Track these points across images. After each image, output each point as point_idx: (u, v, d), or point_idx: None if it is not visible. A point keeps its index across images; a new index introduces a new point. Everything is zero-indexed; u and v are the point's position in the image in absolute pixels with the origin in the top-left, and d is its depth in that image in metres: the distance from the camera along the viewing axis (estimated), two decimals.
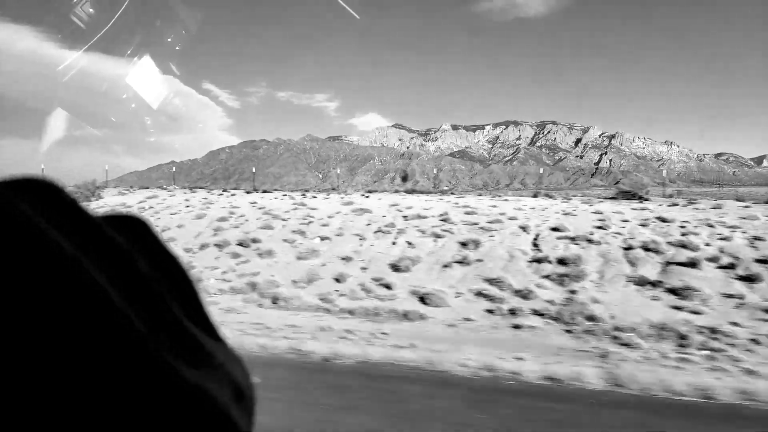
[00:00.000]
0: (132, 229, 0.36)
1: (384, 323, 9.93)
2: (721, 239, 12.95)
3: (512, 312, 10.17)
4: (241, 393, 0.35)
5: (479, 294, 11.42)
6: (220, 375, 0.34)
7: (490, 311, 10.40)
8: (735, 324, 9.26)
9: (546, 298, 10.90)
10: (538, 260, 12.88)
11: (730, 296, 10.47)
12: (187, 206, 19.89)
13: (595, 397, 6.28)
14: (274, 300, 11.48)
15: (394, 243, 14.98)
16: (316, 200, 19.82)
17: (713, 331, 8.89)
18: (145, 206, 20.22)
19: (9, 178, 0.30)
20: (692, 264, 11.69)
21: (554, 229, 14.63)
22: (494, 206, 17.54)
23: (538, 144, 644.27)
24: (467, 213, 16.78)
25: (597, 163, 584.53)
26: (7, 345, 0.24)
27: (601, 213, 15.92)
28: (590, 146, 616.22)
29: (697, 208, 16.56)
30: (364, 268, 13.53)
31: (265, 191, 23.49)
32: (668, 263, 12.05)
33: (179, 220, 18.25)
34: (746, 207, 16.46)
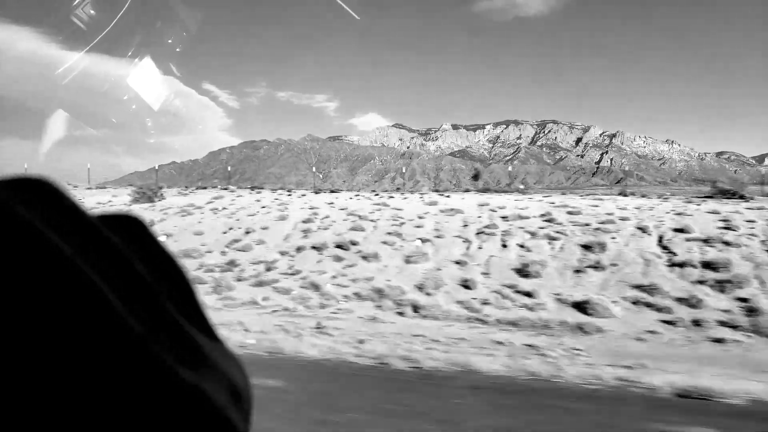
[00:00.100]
0: (128, 229, 0.36)
1: (561, 336, 9.05)
2: None
3: (696, 323, 9.29)
4: (239, 394, 0.35)
5: (637, 302, 10.55)
6: (218, 376, 0.34)
7: (668, 322, 9.52)
8: None
9: (717, 306, 10.03)
10: (679, 264, 12.01)
11: None
12: (263, 206, 18.97)
13: None
14: (415, 308, 10.59)
15: (504, 246, 14.09)
16: (395, 200, 18.92)
17: None
18: (218, 207, 19.30)
19: (4, 178, 0.30)
20: None
21: (678, 231, 13.76)
22: (596, 206, 16.67)
23: (538, 143, 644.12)
24: (571, 213, 15.90)
25: (598, 163, 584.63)
26: (6, 346, 0.24)
27: (719, 213, 15.05)
28: (591, 145, 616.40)
29: None
30: (485, 274, 12.65)
31: (332, 191, 22.58)
32: None
33: (261, 222, 17.35)
34: None
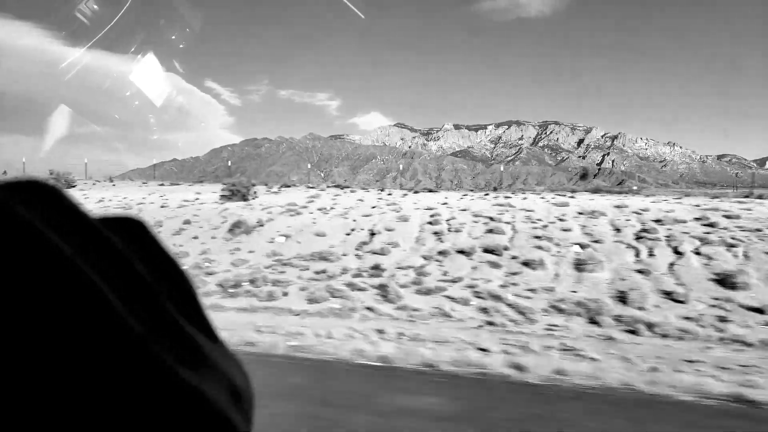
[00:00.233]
0: (129, 231, 0.36)
1: None
2: None
3: None
4: (239, 394, 0.35)
5: None
6: (218, 376, 0.34)
7: None
8: None
9: None
10: None
11: None
12: (373, 206, 17.74)
13: None
14: (649, 326, 9.38)
15: (678, 253, 12.90)
16: (514, 200, 17.71)
17: None
18: (324, 206, 18.06)
19: (6, 180, 0.30)
20: None
21: None
22: (749, 209, 15.49)
23: (540, 144, 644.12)
24: (729, 217, 14.72)
25: (599, 164, 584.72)
26: (6, 346, 0.24)
27: None
28: (593, 147, 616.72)
29: None
30: (680, 284, 11.46)
31: (430, 190, 21.36)
32: None
33: (381, 223, 16.13)
34: None
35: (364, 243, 15.05)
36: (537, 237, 14.29)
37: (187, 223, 17.42)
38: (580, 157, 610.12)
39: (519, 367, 7.47)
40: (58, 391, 0.24)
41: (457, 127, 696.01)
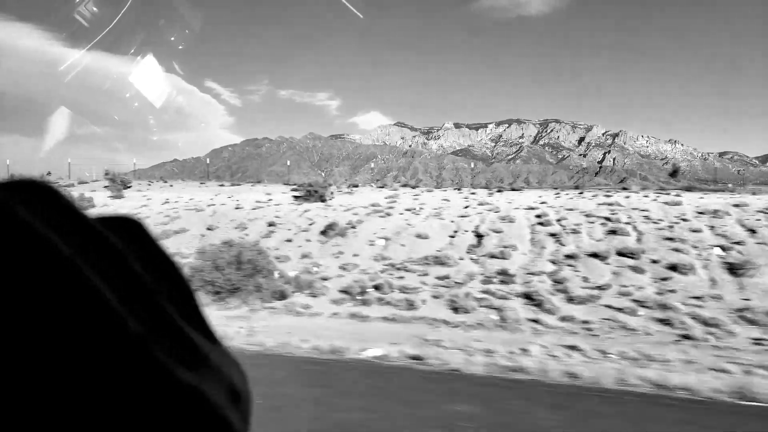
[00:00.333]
0: (128, 231, 0.36)
1: None
2: None
3: None
4: (238, 394, 0.35)
5: None
6: (216, 376, 0.34)
7: None
8: None
9: None
10: None
11: None
12: (465, 206, 16.70)
13: None
14: None
15: None
16: (617, 197, 16.70)
17: None
18: (413, 207, 17.03)
19: (4, 181, 0.31)
20: None
21: None
22: None
23: (541, 142, 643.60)
24: None
25: (600, 162, 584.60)
26: (5, 345, 0.24)
27: None
28: (594, 145, 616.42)
29: None
30: None
31: (513, 189, 20.33)
32: None
33: (483, 224, 15.12)
34: None
35: (474, 246, 14.04)
36: (668, 239, 13.28)
37: (272, 225, 16.39)
38: (581, 155, 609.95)
39: None
40: (57, 390, 0.24)
41: (457, 125, 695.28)
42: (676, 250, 12.70)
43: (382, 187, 23.75)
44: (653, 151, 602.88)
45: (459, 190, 20.67)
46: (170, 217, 19.25)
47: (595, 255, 12.74)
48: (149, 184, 27.58)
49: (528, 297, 10.87)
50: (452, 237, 14.74)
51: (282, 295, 11.62)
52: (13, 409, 0.23)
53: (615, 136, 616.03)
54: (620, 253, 12.72)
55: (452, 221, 15.73)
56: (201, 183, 28.50)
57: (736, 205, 15.38)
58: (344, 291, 11.83)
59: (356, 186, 23.50)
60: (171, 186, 27.54)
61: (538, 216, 15.38)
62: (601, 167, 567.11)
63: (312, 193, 18.49)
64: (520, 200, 17.08)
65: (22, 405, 0.24)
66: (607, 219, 14.79)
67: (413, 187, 22.51)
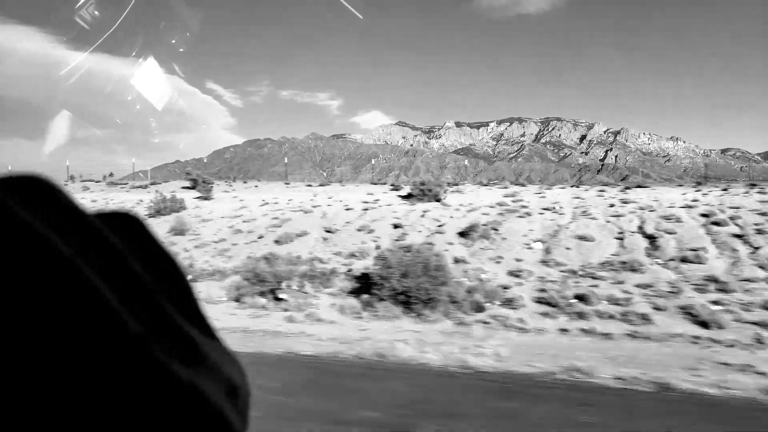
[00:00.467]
0: (127, 228, 0.36)
1: None
2: None
3: None
4: (236, 391, 0.35)
5: None
6: (215, 373, 0.34)
7: None
8: None
9: None
10: None
11: None
12: (611, 205, 15.22)
13: None
14: None
15: None
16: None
17: None
18: (550, 206, 15.52)
19: (2, 177, 0.30)
20: None
21: None
22: None
23: (542, 141, 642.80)
24: None
25: (602, 160, 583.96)
26: (5, 345, 0.24)
27: None
28: (595, 142, 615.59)
29: None
30: None
31: (639, 186, 18.87)
32: None
33: (645, 224, 13.66)
34: None
35: (653, 249, 12.55)
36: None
37: (398, 227, 14.88)
38: (582, 153, 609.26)
39: None
40: (58, 390, 0.24)
41: (458, 124, 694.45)
42: None
43: (486, 185, 22.22)
44: (655, 148, 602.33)
45: (577, 186, 19.16)
46: (279, 219, 17.81)
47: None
48: (230, 185, 26.02)
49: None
50: (619, 239, 13.25)
51: (479, 307, 10.14)
52: (14, 409, 0.23)
53: (617, 133, 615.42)
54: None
55: (607, 221, 14.24)
56: (286, 184, 26.98)
57: None
58: (542, 301, 10.34)
59: (456, 184, 21.96)
60: (256, 186, 25.93)
61: (705, 215, 13.90)
62: (603, 165, 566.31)
63: (426, 193, 16.99)
64: (668, 197, 15.60)
65: (22, 405, 0.24)
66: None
67: (524, 185, 20.99)
